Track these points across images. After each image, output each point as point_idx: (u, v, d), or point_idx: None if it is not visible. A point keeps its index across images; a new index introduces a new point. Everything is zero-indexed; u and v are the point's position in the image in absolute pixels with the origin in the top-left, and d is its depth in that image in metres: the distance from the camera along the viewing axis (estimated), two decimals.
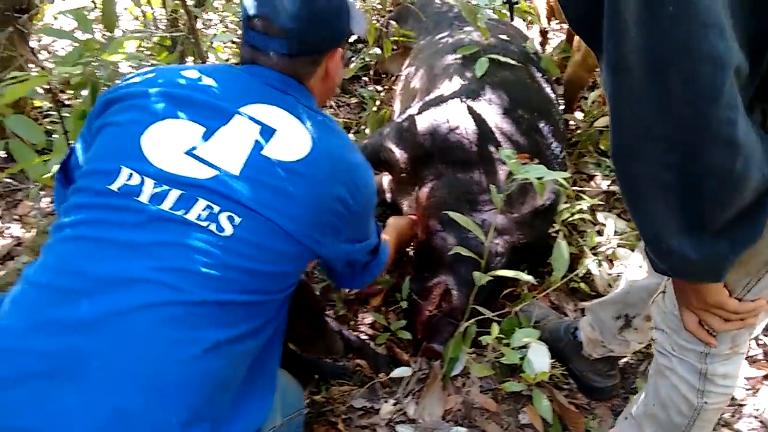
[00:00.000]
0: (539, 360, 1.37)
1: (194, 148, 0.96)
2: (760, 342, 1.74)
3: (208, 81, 1.04)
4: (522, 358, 1.37)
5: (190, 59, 1.88)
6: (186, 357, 0.86)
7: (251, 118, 0.99)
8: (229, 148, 0.96)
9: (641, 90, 0.63)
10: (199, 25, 2.47)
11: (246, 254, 0.92)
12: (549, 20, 2.71)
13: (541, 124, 1.92)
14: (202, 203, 0.92)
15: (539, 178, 1.15)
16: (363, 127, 2.49)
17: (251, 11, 1.06)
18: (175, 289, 0.87)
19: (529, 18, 2.29)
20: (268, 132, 0.99)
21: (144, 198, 0.91)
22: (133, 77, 1.07)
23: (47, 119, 2.35)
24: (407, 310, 1.69)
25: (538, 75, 2.13)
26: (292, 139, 0.99)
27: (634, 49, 0.61)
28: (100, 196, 0.93)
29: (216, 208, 0.92)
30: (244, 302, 0.93)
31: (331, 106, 2.65)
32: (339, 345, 1.57)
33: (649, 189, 0.70)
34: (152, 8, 1.89)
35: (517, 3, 1.98)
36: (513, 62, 2.01)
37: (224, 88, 1.03)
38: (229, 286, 0.91)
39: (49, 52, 2.82)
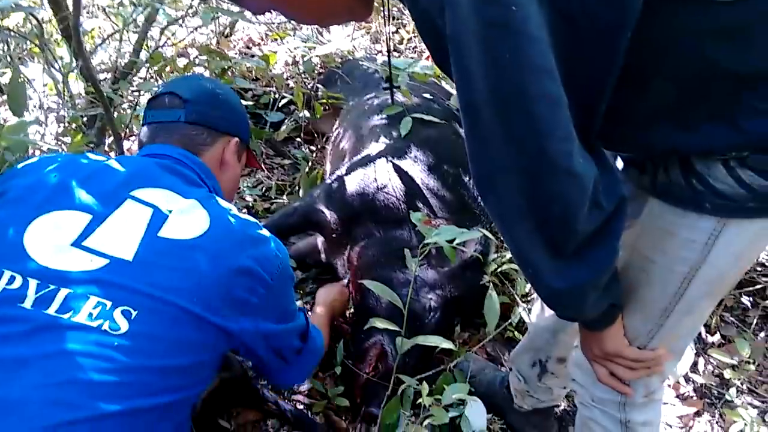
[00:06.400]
0: (476, 418, 1.36)
1: (82, 239, 0.91)
2: (689, 379, 1.78)
3: (96, 167, 1.02)
4: (456, 417, 1.36)
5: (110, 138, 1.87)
6: None
7: (143, 202, 0.96)
8: (121, 234, 0.92)
9: (489, 127, 0.68)
10: (130, 96, 2.46)
11: (148, 351, 0.86)
12: None
13: (467, 179, 1.96)
14: (92, 300, 0.85)
15: (451, 240, 1.16)
16: (297, 188, 2.50)
17: (158, 91, 1.18)
18: (68, 406, 0.79)
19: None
20: (162, 214, 0.96)
21: (28, 303, 0.85)
22: (16, 167, 1.04)
23: None
24: (343, 375, 1.66)
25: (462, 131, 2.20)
26: (188, 218, 0.96)
27: (479, 92, 0.66)
28: None
29: (108, 304, 0.86)
30: (154, 406, 0.85)
31: (264, 169, 2.65)
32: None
33: (510, 216, 0.75)
34: (64, 85, 1.88)
35: (398, 87, 2.08)
36: (436, 120, 2.08)
37: (114, 173, 1.01)
38: (132, 391, 0.83)
39: None
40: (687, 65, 0.73)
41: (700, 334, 1.93)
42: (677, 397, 1.73)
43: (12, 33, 1.86)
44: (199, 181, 1.09)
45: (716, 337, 1.94)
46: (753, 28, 0.70)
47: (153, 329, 0.87)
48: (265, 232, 1.05)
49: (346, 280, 1.88)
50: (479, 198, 0.77)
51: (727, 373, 1.77)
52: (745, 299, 2.07)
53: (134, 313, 0.86)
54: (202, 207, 0.99)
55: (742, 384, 1.79)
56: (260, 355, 1.08)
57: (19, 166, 1.04)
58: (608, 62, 0.68)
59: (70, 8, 1.77)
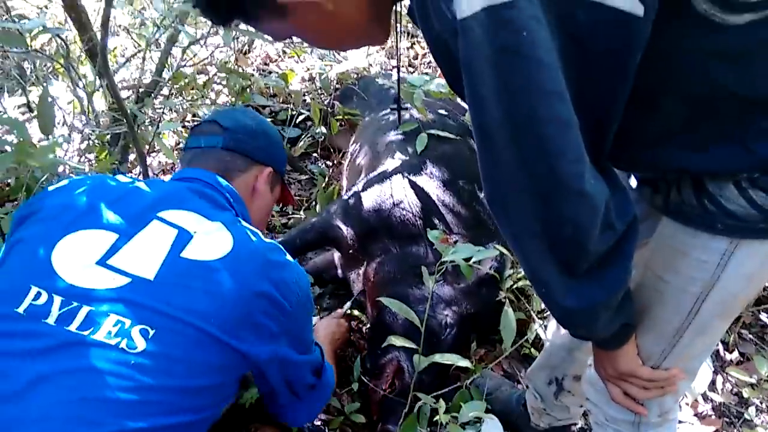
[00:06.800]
0: None
1: (107, 257, 0.93)
2: (707, 398, 1.76)
3: (125, 189, 1.05)
4: None
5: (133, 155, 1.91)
6: None
7: (168, 223, 0.98)
8: (144, 254, 0.94)
9: (501, 150, 0.69)
10: (152, 114, 2.52)
11: (168, 371, 0.87)
12: None
13: (482, 195, 1.97)
14: (112, 318, 0.87)
15: (468, 258, 1.18)
16: (314, 203, 2.53)
17: (202, 119, 1.24)
18: (91, 423, 0.80)
19: None
20: (186, 235, 0.97)
21: (51, 319, 0.87)
22: (47, 189, 1.07)
23: None
24: (360, 392, 1.68)
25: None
26: (212, 240, 0.97)
27: (491, 116, 0.67)
28: (5, 321, 0.88)
29: (127, 323, 0.87)
30: (176, 424, 0.86)
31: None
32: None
33: (523, 236, 0.76)
34: (89, 103, 1.92)
35: (405, 109, 2.09)
36: (451, 136, 2.10)
37: (143, 195, 1.03)
38: (151, 409, 0.84)
39: None
40: (694, 86, 0.74)
41: (717, 351, 1.91)
42: (695, 415, 1.72)
43: (39, 53, 1.92)
44: (227, 205, 1.10)
45: (734, 355, 1.92)
46: (753, 54, 0.71)
47: (171, 349, 0.88)
48: (288, 257, 1.05)
49: (343, 310, 1.88)
50: (494, 218, 0.79)
51: (746, 392, 1.75)
52: (763, 316, 2.05)
53: (152, 332, 0.87)
54: (226, 230, 1.00)
55: (761, 403, 1.77)
56: (273, 385, 1.08)
57: (51, 188, 1.07)
58: (618, 84, 0.69)
59: (96, 29, 1.82)
